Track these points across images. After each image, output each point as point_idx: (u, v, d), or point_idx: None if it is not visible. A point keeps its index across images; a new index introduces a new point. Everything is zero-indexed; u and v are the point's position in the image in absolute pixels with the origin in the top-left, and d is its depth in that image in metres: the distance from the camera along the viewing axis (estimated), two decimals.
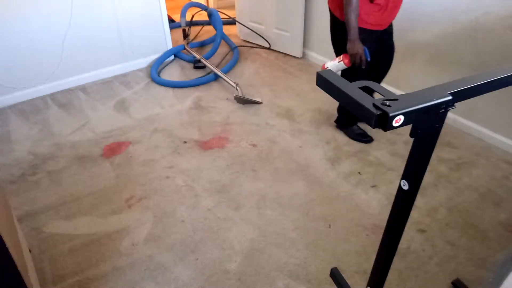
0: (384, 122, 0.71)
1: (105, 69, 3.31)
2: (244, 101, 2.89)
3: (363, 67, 2.02)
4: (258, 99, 2.91)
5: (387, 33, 2.18)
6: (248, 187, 2.11)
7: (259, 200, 2.03)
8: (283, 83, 3.19)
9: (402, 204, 0.95)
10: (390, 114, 0.69)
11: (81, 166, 2.30)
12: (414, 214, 1.90)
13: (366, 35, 2.00)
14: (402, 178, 0.91)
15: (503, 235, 1.79)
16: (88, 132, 2.61)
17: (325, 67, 2.13)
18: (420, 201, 1.98)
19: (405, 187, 0.91)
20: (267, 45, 3.78)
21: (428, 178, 2.11)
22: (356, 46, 1.95)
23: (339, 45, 2.15)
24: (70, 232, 1.87)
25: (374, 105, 0.72)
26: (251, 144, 2.46)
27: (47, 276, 1.66)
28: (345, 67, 2.07)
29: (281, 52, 3.72)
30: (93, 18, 3.07)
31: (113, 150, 2.43)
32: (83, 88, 3.17)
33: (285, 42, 3.62)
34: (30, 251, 1.73)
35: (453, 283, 1.57)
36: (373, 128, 0.73)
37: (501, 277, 0.98)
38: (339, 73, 2.19)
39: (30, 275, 1.34)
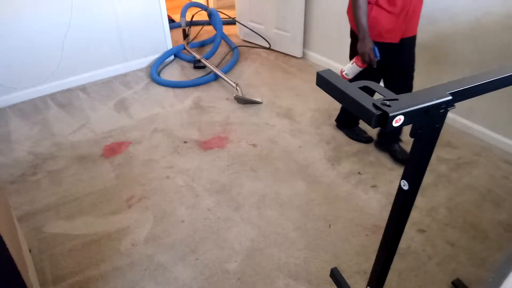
0: (384, 122, 0.70)
1: (105, 69, 3.31)
2: (244, 101, 2.89)
3: (374, 66, 1.99)
4: (258, 99, 2.91)
5: (406, 46, 2.04)
6: (248, 187, 2.11)
7: (259, 200, 2.03)
8: (283, 83, 3.19)
9: (402, 204, 0.95)
10: (390, 114, 0.69)
11: (81, 166, 2.30)
12: (414, 214, 1.91)
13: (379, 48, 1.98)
14: (402, 178, 0.91)
15: (503, 235, 1.79)
16: (88, 132, 2.61)
17: (342, 71, 2.14)
18: (420, 201, 1.98)
19: (405, 187, 0.91)
20: (267, 45, 3.78)
21: (428, 178, 2.11)
22: (364, 45, 1.93)
23: (353, 51, 2.16)
24: (70, 232, 1.87)
25: (374, 105, 0.71)
26: (251, 144, 2.46)
27: (47, 276, 1.66)
28: (360, 69, 2.06)
29: (281, 52, 3.72)
30: (93, 18, 3.07)
31: (113, 150, 2.43)
32: (83, 88, 3.17)
33: (285, 42, 3.62)
34: (30, 251, 1.73)
35: (453, 283, 1.57)
36: (373, 128, 0.72)
37: (501, 277, 0.98)
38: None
39: (30, 275, 1.34)
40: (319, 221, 1.89)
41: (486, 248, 1.73)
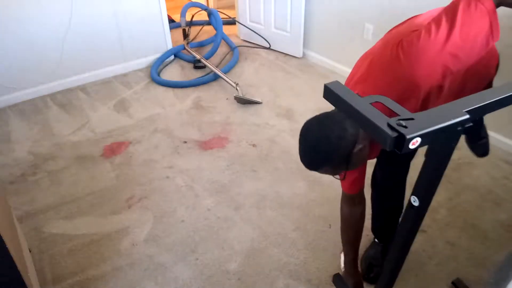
0: (400, 144, 0.64)
1: (105, 69, 3.30)
2: (244, 101, 2.89)
3: None
4: (258, 99, 2.91)
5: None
6: (248, 187, 2.11)
7: (259, 200, 2.03)
8: (283, 83, 3.19)
9: (411, 220, 0.90)
10: (408, 137, 0.63)
11: (81, 166, 2.30)
12: None
13: None
14: (412, 194, 0.86)
15: (503, 235, 1.79)
16: (88, 132, 2.61)
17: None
18: None
19: (415, 203, 0.86)
20: (267, 45, 3.77)
21: None
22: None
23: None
24: (70, 232, 1.87)
25: (389, 125, 0.65)
26: (251, 144, 2.46)
27: (47, 276, 1.66)
28: None
29: (281, 52, 3.72)
30: (93, 18, 3.06)
31: (113, 150, 2.43)
32: (83, 88, 3.17)
33: (285, 42, 3.62)
34: (30, 251, 1.73)
35: (453, 282, 1.57)
36: (388, 150, 0.66)
37: (504, 279, 0.97)
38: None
39: (30, 275, 1.34)
40: (320, 221, 1.89)
41: (486, 248, 1.73)
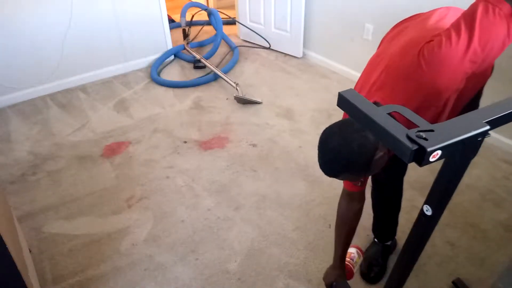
0: (420, 157, 0.62)
1: (105, 69, 3.30)
2: (244, 101, 2.89)
3: None
4: (258, 99, 2.91)
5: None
6: (248, 187, 2.11)
7: (259, 200, 2.03)
8: (283, 83, 3.19)
9: (423, 230, 0.89)
10: (428, 149, 0.60)
11: (81, 166, 2.30)
12: (414, 215, 1.90)
13: None
14: (425, 203, 0.85)
15: (503, 235, 1.79)
16: (88, 132, 2.61)
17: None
18: (420, 201, 1.98)
19: (428, 213, 0.85)
20: (267, 45, 3.78)
21: (428, 178, 2.11)
22: (328, 274, 1.45)
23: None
24: (70, 232, 1.87)
25: (408, 137, 0.63)
26: (251, 144, 2.46)
27: (47, 276, 1.66)
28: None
29: (281, 52, 3.72)
30: (93, 18, 3.06)
31: (113, 150, 2.43)
32: (83, 88, 3.17)
33: (285, 42, 3.62)
34: (30, 251, 1.73)
35: (453, 282, 1.57)
36: (408, 163, 0.64)
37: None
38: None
39: (30, 275, 1.35)
40: (319, 221, 1.89)
41: (486, 248, 1.73)
